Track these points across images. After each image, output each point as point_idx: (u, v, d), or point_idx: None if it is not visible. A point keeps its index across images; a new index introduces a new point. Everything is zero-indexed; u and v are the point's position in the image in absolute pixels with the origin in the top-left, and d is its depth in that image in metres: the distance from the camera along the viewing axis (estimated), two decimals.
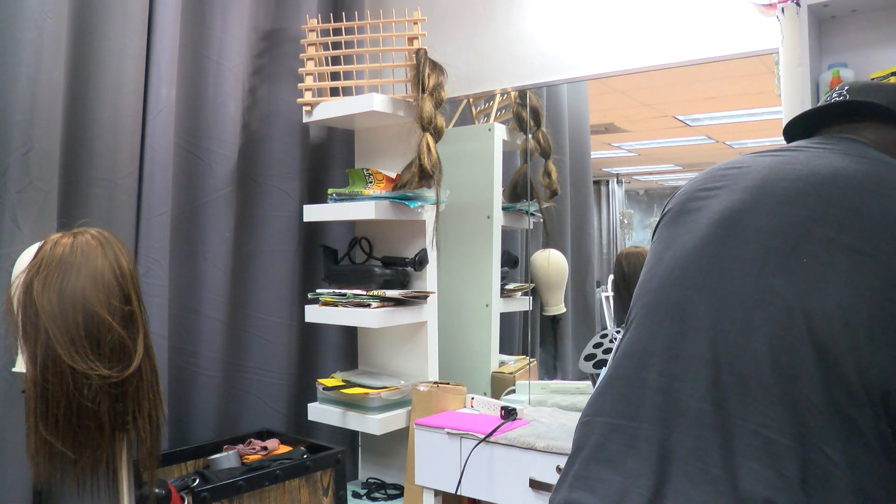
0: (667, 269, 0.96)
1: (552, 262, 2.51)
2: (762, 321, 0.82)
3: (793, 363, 0.79)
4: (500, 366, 2.46)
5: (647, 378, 0.89)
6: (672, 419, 0.84)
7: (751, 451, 0.76)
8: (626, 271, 2.42)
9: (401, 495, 2.33)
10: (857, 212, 0.84)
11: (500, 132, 2.48)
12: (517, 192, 2.51)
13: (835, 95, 1.08)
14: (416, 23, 2.21)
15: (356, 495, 2.37)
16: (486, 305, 2.45)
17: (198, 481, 1.84)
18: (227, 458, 2.01)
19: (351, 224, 2.57)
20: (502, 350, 2.50)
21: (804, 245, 0.84)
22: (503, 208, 2.49)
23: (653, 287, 0.97)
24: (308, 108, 2.34)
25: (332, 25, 2.31)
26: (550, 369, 2.55)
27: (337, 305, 2.23)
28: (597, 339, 1.96)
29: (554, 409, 2.17)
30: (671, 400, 0.85)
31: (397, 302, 2.20)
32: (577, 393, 2.27)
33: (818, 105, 1.09)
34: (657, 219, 1.07)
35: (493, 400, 2.17)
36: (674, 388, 0.86)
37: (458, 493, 1.91)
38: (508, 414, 1.97)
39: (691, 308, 0.89)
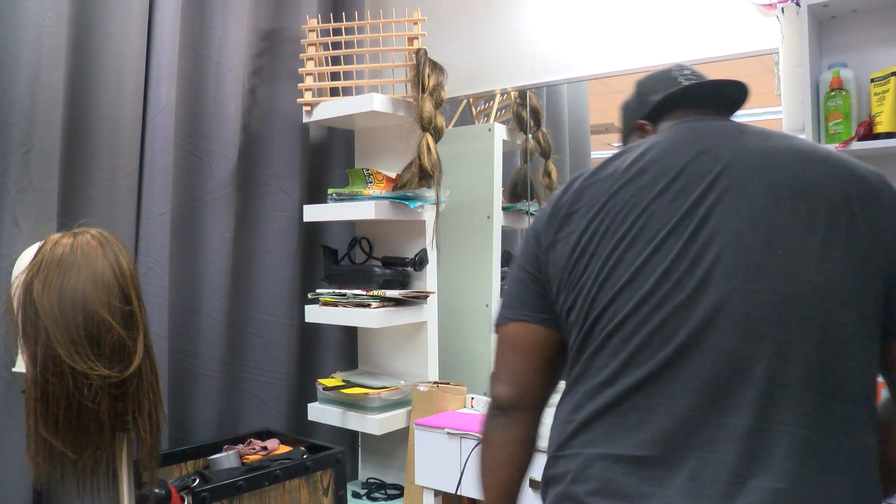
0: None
1: None
2: None
3: None
4: None
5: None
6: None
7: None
8: None
9: (401, 495, 2.33)
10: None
11: (500, 132, 2.48)
12: (517, 192, 2.51)
13: (687, 78, 1.12)
14: (416, 23, 2.21)
15: (356, 495, 2.37)
16: (486, 305, 2.45)
17: (198, 481, 1.84)
18: (227, 458, 2.01)
19: (351, 224, 2.57)
20: None
21: None
22: (503, 208, 2.49)
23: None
24: (308, 108, 2.34)
25: (332, 25, 2.31)
26: None
27: (337, 305, 2.23)
28: None
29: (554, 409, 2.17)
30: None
31: (397, 302, 2.20)
32: None
33: (690, 84, 1.09)
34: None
35: None
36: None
37: (458, 493, 1.91)
38: None
39: None
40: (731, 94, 1.12)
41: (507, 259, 2.53)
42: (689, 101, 1.07)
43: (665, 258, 0.85)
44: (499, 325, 1.02)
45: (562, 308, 0.95)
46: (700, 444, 0.80)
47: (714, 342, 0.81)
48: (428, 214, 2.28)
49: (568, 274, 0.93)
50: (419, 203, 2.20)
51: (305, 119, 2.37)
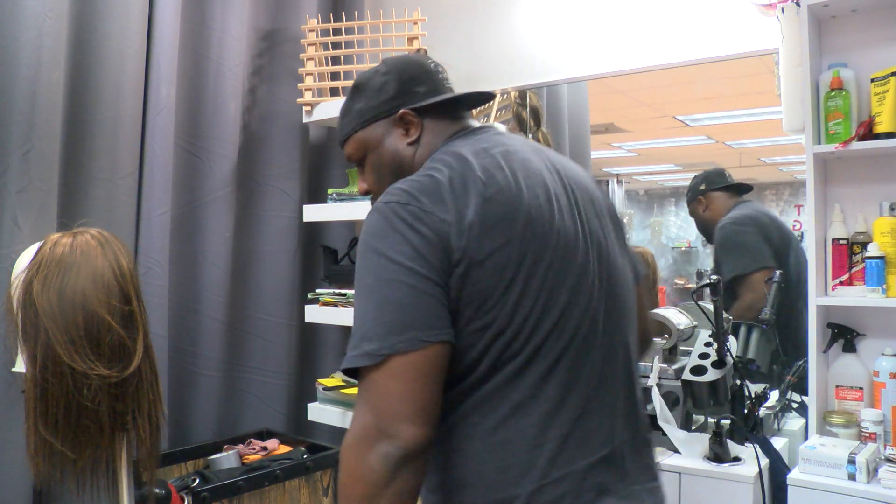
0: None
1: None
2: None
3: None
4: None
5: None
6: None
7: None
8: None
9: None
10: None
11: None
12: None
13: (445, 79, 1.15)
14: (416, 23, 2.21)
15: None
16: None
17: (198, 481, 1.84)
18: (227, 458, 2.01)
19: (351, 224, 2.56)
20: None
21: None
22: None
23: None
24: (308, 108, 2.34)
25: (332, 25, 2.31)
26: None
27: (337, 305, 2.23)
28: None
29: None
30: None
31: None
32: None
33: (458, 94, 1.12)
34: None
35: None
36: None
37: None
38: None
39: None
40: (477, 105, 1.20)
41: None
42: (460, 106, 1.13)
43: (587, 280, 0.95)
44: (408, 351, 0.84)
45: (480, 326, 0.88)
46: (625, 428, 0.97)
47: (613, 340, 0.98)
48: None
49: (501, 294, 0.88)
50: None
51: (305, 119, 2.37)
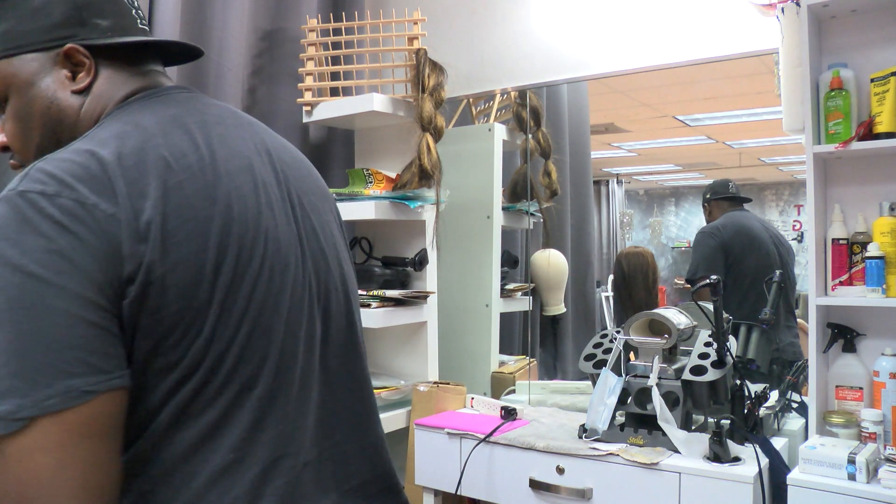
0: None
1: (552, 262, 2.51)
2: None
3: None
4: (500, 366, 2.46)
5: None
6: None
7: None
8: (626, 271, 2.42)
9: None
10: None
11: (500, 132, 2.48)
12: (517, 192, 2.51)
13: (141, 22, 0.85)
14: (416, 23, 2.21)
15: None
16: (486, 305, 2.45)
17: None
18: None
19: (351, 224, 2.56)
20: (502, 350, 2.49)
21: None
22: (503, 208, 2.49)
23: None
24: (308, 108, 2.34)
25: (332, 25, 2.31)
26: (550, 369, 2.55)
27: None
28: (597, 339, 1.96)
29: (554, 409, 2.17)
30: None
31: (397, 302, 2.20)
32: (577, 393, 2.27)
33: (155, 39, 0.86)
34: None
35: (493, 400, 2.17)
36: None
37: (458, 493, 1.91)
38: (508, 414, 1.97)
39: None
40: (177, 61, 0.96)
41: (506, 259, 2.53)
42: (150, 57, 0.86)
43: (304, 302, 0.78)
44: (65, 408, 0.59)
45: (161, 366, 0.66)
46: None
47: (336, 384, 0.84)
48: (428, 214, 2.28)
49: (189, 323, 0.67)
50: (419, 203, 2.20)
51: (305, 119, 2.37)
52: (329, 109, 2.29)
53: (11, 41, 0.77)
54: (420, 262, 2.27)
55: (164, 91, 0.80)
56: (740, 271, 2.16)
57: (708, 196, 2.25)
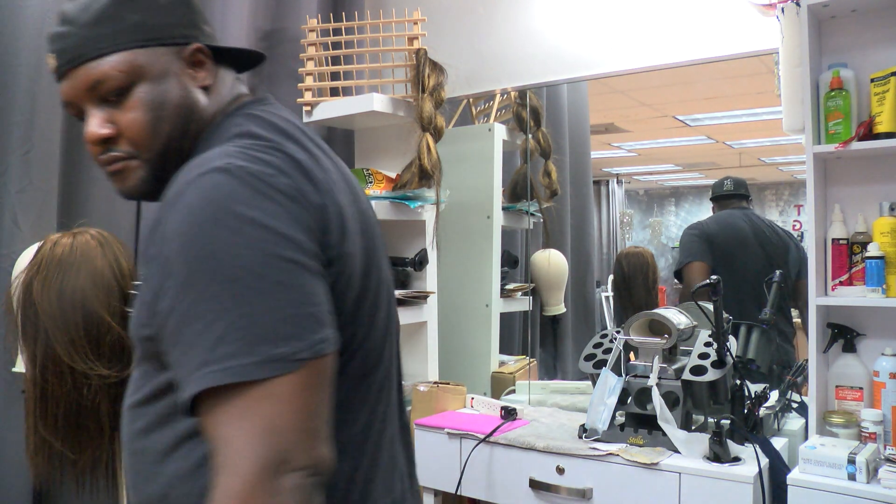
0: None
1: (552, 262, 2.51)
2: None
3: None
4: (500, 366, 2.46)
5: None
6: None
7: None
8: (626, 271, 2.42)
9: None
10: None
11: (500, 132, 2.48)
12: (517, 192, 2.51)
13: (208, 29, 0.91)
14: (416, 23, 2.21)
15: None
16: (486, 305, 2.45)
17: None
18: None
19: None
20: (502, 350, 2.49)
21: None
22: (503, 208, 2.49)
23: None
24: (308, 108, 2.34)
25: (332, 25, 2.31)
26: (550, 369, 2.55)
27: None
28: (597, 339, 1.96)
29: (554, 409, 2.17)
30: None
31: (398, 302, 2.19)
32: (577, 393, 2.27)
33: None
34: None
35: (493, 400, 2.17)
36: None
37: (458, 493, 1.91)
38: (508, 414, 1.97)
39: None
40: (251, 67, 0.99)
41: (506, 259, 2.53)
42: (239, 64, 0.93)
43: (388, 301, 0.87)
44: (326, 353, 0.67)
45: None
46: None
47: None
48: (428, 214, 2.28)
49: (354, 308, 0.77)
50: (419, 203, 2.20)
51: (305, 119, 2.37)
52: (329, 109, 2.29)
53: (144, 33, 0.80)
54: (420, 262, 2.27)
55: (262, 100, 0.87)
56: (732, 269, 2.17)
57: (710, 196, 2.28)
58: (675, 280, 2.29)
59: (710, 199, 2.24)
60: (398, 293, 2.19)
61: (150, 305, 0.69)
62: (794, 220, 2.14)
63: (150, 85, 0.80)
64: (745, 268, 2.16)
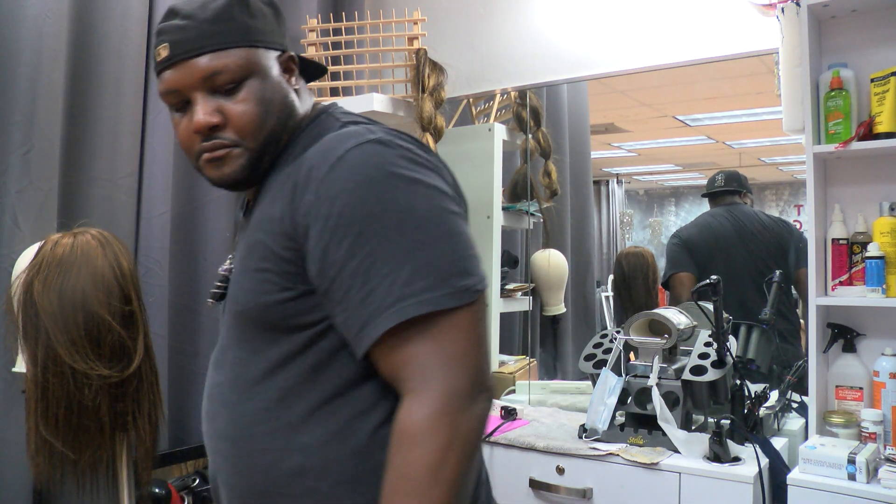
0: None
1: (552, 262, 2.51)
2: None
3: None
4: (500, 366, 2.46)
5: None
6: None
7: None
8: (626, 271, 2.42)
9: None
10: None
11: (500, 132, 2.48)
12: (517, 192, 2.51)
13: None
14: (416, 23, 2.21)
15: None
16: (486, 305, 2.45)
17: (198, 481, 1.84)
18: None
19: None
20: (502, 350, 2.49)
21: None
22: (503, 208, 2.49)
23: None
24: None
25: (332, 25, 2.31)
26: (550, 369, 2.55)
27: None
28: (597, 339, 1.96)
29: (554, 409, 2.17)
30: None
31: None
32: (577, 393, 2.27)
33: None
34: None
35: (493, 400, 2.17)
36: None
37: None
38: (508, 414, 1.97)
39: None
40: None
41: (506, 259, 2.53)
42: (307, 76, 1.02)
43: None
44: (479, 292, 0.78)
45: None
46: None
47: None
48: None
49: None
50: None
51: None
52: None
53: (254, 35, 0.89)
54: None
55: (345, 110, 0.95)
56: (721, 268, 2.18)
57: (702, 194, 2.29)
58: (664, 289, 2.30)
59: (703, 196, 2.24)
60: None
61: (316, 262, 0.77)
62: (795, 220, 2.14)
63: (260, 81, 0.88)
64: (728, 268, 2.15)
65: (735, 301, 1.96)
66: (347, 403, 0.80)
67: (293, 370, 0.81)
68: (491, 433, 1.84)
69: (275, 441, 0.81)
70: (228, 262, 0.95)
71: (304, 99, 0.95)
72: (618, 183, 2.60)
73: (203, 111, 0.86)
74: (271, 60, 0.90)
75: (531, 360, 2.48)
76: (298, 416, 0.80)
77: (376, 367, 0.78)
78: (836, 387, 1.72)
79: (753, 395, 1.74)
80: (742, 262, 2.14)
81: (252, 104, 0.87)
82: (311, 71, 1.03)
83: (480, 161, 2.48)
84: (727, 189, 2.18)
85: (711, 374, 1.68)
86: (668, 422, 1.65)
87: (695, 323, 1.83)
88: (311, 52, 2.32)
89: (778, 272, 1.96)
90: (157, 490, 1.64)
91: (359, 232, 0.74)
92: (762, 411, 1.77)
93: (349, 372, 0.80)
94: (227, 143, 0.87)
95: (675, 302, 2.20)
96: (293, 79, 0.93)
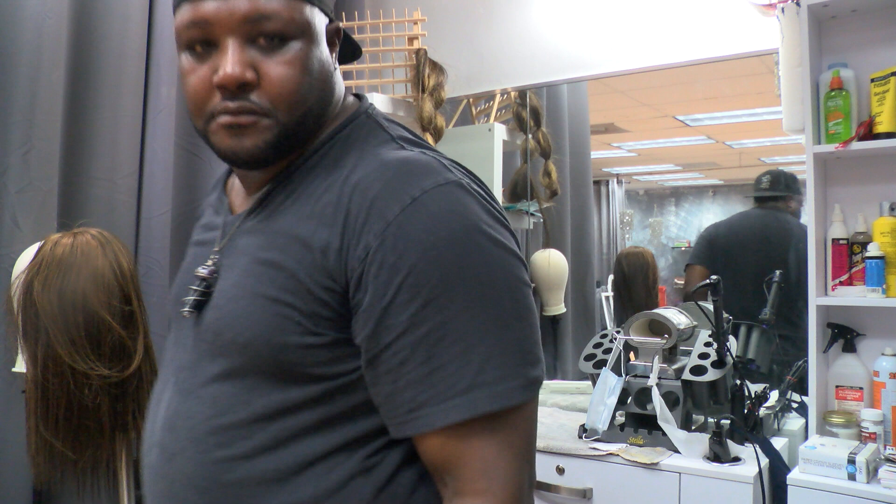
0: None
1: (552, 262, 2.51)
2: None
3: None
4: None
5: None
6: None
7: None
8: (626, 271, 2.42)
9: None
10: None
11: (500, 132, 2.48)
12: (517, 192, 2.51)
13: None
14: (416, 23, 2.21)
15: None
16: None
17: None
18: None
19: None
20: None
21: None
22: (503, 208, 2.49)
23: None
24: None
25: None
26: (550, 369, 2.55)
27: None
28: (597, 339, 1.96)
29: (554, 409, 2.17)
30: None
31: None
32: (577, 393, 2.27)
33: None
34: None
35: None
36: None
37: None
38: None
39: None
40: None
41: None
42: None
43: None
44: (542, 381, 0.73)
45: None
46: None
47: None
48: None
49: None
50: None
51: None
52: None
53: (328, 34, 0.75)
54: None
55: (384, 114, 0.82)
56: (736, 269, 2.18)
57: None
58: (679, 279, 2.33)
59: (746, 197, 2.26)
60: None
61: (370, 322, 0.65)
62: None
63: (308, 45, 0.71)
64: (742, 270, 2.15)
65: (738, 305, 1.97)
66: (350, 459, 0.68)
67: (296, 420, 0.68)
68: None
69: (255, 496, 0.67)
70: (211, 262, 0.77)
71: (339, 82, 0.78)
72: (618, 183, 2.60)
73: (235, 62, 0.67)
74: (322, 27, 0.73)
75: None
76: (289, 467, 0.67)
77: (419, 449, 0.67)
78: (836, 387, 1.72)
79: (753, 395, 1.74)
80: (756, 267, 2.13)
81: (296, 69, 0.70)
82: (342, 51, 0.85)
83: (480, 161, 2.47)
84: (771, 195, 2.16)
85: (711, 374, 1.68)
86: (668, 422, 1.65)
87: (695, 323, 1.83)
88: None
89: (778, 272, 1.96)
90: None
91: (430, 297, 0.63)
92: (762, 411, 1.76)
93: (360, 429, 0.69)
94: (257, 109, 0.69)
95: (686, 291, 2.27)
96: (335, 55, 0.77)
